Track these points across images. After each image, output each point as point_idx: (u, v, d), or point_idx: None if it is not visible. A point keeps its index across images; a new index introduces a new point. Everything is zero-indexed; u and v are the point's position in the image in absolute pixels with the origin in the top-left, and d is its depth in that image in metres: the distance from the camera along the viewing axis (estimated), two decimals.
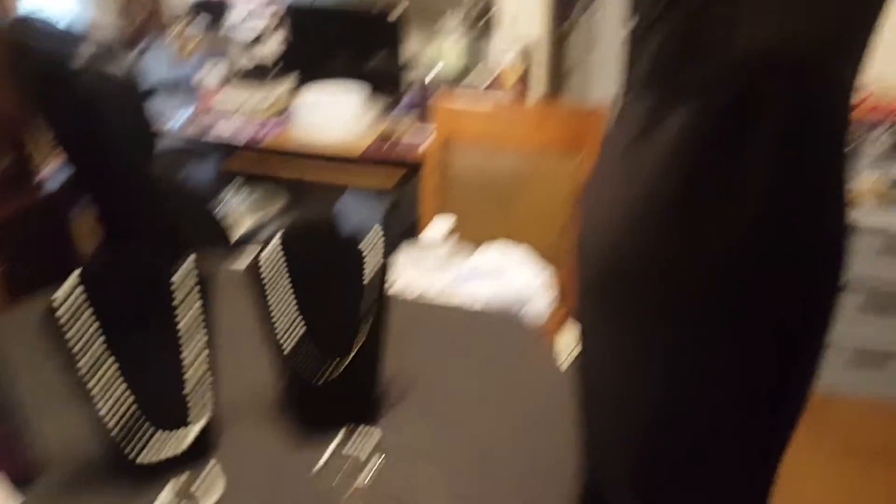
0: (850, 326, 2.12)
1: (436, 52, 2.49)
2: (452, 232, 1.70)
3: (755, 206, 0.69)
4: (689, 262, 0.73)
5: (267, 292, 0.93)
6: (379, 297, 0.97)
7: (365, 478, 0.91)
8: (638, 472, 0.87)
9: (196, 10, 2.56)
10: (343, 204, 2.39)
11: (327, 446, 0.96)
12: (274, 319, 0.94)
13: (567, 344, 1.24)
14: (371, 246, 0.97)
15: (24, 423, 0.91)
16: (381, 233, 0.98)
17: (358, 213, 2.32)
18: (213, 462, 0.93)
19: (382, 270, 0.97)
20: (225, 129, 2.39)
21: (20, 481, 0.90)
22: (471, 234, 1.75)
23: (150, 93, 2.41)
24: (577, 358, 0.94)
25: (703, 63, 0.68)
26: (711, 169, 0.70)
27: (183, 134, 2.37)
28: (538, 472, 0.93)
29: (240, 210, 2.39)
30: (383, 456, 0.94)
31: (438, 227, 1.68)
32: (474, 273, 1.54)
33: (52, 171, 2.21)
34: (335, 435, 0.97)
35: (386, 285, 0.98)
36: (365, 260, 0.96)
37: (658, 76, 0.73)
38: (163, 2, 2.68)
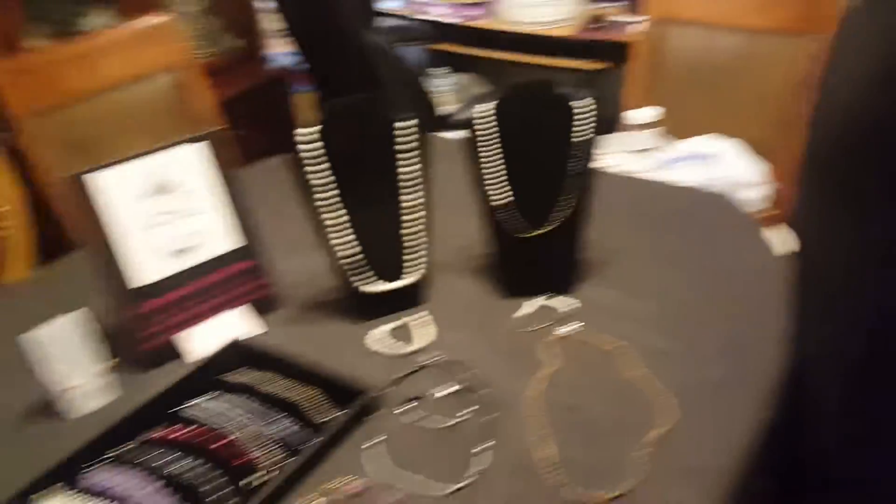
0: None
1: None
2: (660, 121, 1.64)
3: None
4: None
5: (481, 150, 0.97)
6: (585, 167, 0.97)
7: (562, 328, 0.95)
8: (854, 370, 0.83)
9: None
10: None
11: (529, 302, 1.01)
12: (485, 179, 0.98)
13: (778, 241, 1.17)
14: (582, 115, 0.96)
15: (267, 260, 1.04)
16: (594, 104, 0.97)
17: None
18: (426, 309, 1.02)
19: (591, 141, 0.97)
20: (436, 11, 2.43)
21: (264, 310, 1.04)
22: (679, 124, 1.67)
23: None
24: (797, 243, 0.89)
25: None
26: None
27: (398, 14, 2.45)
28: (736, 344, 0.91)
29: (445, 89, 2.45)
30: (580, 314, 0.97)
31: (645, 112, 1.62)
32: (683, 157, 1.49)
33: (279, 52, 2.39)
34: (537, 294, 1.02)
35: (593, 156, 0.98)
36: (575, 128, 0.97)
37: None
38: None
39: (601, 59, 2.23)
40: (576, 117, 0.95)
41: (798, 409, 0.89)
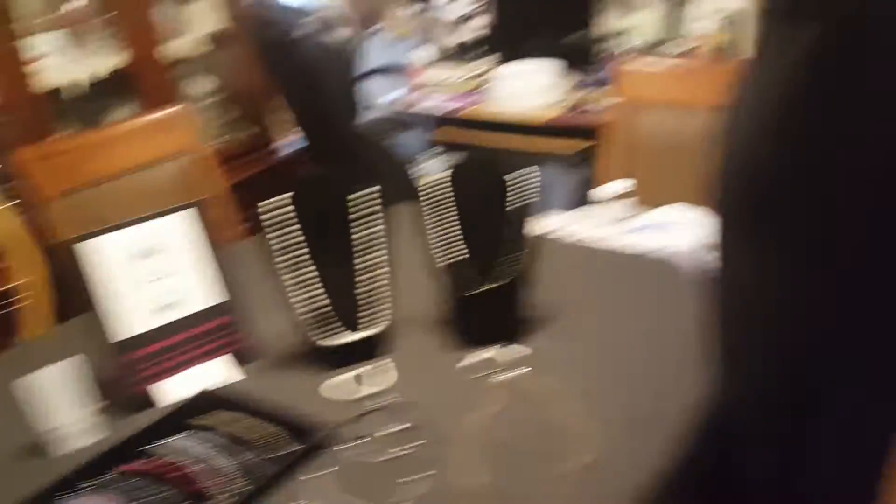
0: None
1: (632, 26, 2.52)
2: (629, 194, 1.75)
3: (866, 126, 0.72)
4: (814, 169, 0.77)
5: (430, 216, 1.09)
6: (522, 232, 1.09)
7: (507, 374, 1.04)
8: (777, 392, 0.91)
9: None
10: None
11: (479, 352, 1.10)
12: (435, 241, 1.10)
13: None
14: (515, 186, 1.08)
15: (246, 316, 1.16)
16: (527, 176, 1.09)
17: (545, 177, 2.43)
18: (386, 358, 1.11)
19: (525, 209, 1.08)
20: (430, 104, 2.62)
21: (242, 360, 1.14)
22: (651, 197, 1.79)
23: (372, 73, 2.72)
24: (717, 285, 0.99)
25: None
26: (827, 89, 0.74)
27: (395, 108, 2.64)
28: (663, 386, 1.00)
29: (436, 170, 2.62)
30: (526, 361, 1.06)
31: (616, 186, 1.74)
32: (645, 226, 1.60)
33: (287, 141, 2.58)
34: (487, 344, 1.11)
35: (529, 222, 1.09)
36: (517, 195, 1.08)
37: (780, 4, 0.78)
38: None
39: (585, 140, 2.38)
40: (509, 188, 1.07)
41: (723, 443, 0.96)
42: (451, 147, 2.66)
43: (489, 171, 1.10)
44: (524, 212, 1.09)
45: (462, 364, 1.08)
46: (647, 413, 0.95)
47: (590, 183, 2.08)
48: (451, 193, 1.09)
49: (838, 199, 0.77)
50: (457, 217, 1.10)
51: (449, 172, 1.09)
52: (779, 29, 0.79)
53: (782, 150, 0.79)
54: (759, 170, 0.84)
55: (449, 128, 2.67)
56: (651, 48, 2.45)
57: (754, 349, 0.93)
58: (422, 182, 1.09)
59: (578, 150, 2.38)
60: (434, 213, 1.10)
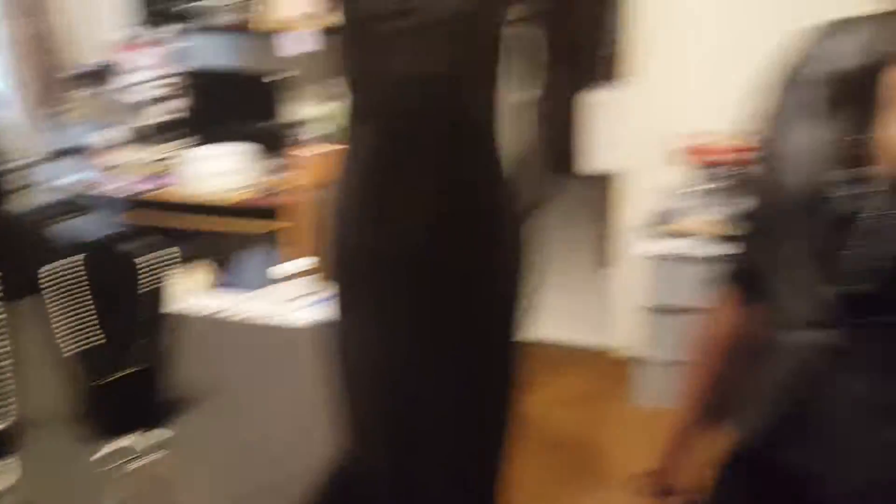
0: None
1: (319, 115, 2.67)
2: (310, 271, 1.83)
3: (422, 201, 0.85)
4: (382, 245, 0.89)
5: (63, 302, 1.05)
6: (155, 316, 1.09)
7: (138, 463, 1.01)
8: (386, 439, 1.00)
9: (94, 75, 2.71)
10: (222, 249, 2.52)
11: (114, 442, 1.07)
12: (69, 328, 1.05)
13: None
14: (145, 269, 1.09)
15: None
16: (172, 253, 1.11)
17: (237, 257, 2.44)
18: (8, 458, 1.03)
19: (156, 292, 1.09)
20: (117, 186, 2.52)
21: None
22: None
23: (51, 155, 2.55)
24: (337, 351, 1.07)
25: (371, 91, 0.86)
26: (385, 175, 0.86)
27: (74, 190, 2.49)
28: (294, 454, 1.05)
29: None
30: (163, 451, 1.05)
31: (294, 265, 1.81)
32: (317, 301, 1.67)
33: None
34: (123, 432, 1.08)
35: (162, 305, 1.10)
36: (153, 276, 1.09)
37: (353, 104, 0.90)
38: (65, 68, 2.83)
39: (275, 220, 2.45)
40: (140, 271, 1.08)
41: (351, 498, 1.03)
42: (140, 230, 2.57)
43: (124, 253, 1.10)
44: (161, 293, 1.09)
45: (96, 456, 1.04)
46: (277, 480, 0.99)
47: (276, 262, 2.14)
48: (84, 278, 1.07)
49: (385, 277, 0.90)
50: (90, 302, 1.07)
51: (79, 257, 1.07)
52: (354, 125, 0.92)
53: (351, 230, 0.91)
54: (343, 246, 0.95)
55: (140, 210, 2.58)
56: (336, 136, 2.60)
57: (363, 408, 1.03)
58: (45, 269, 1.04)
59: (269, 230, 2.43)
60: (65, 299, 1.06)
